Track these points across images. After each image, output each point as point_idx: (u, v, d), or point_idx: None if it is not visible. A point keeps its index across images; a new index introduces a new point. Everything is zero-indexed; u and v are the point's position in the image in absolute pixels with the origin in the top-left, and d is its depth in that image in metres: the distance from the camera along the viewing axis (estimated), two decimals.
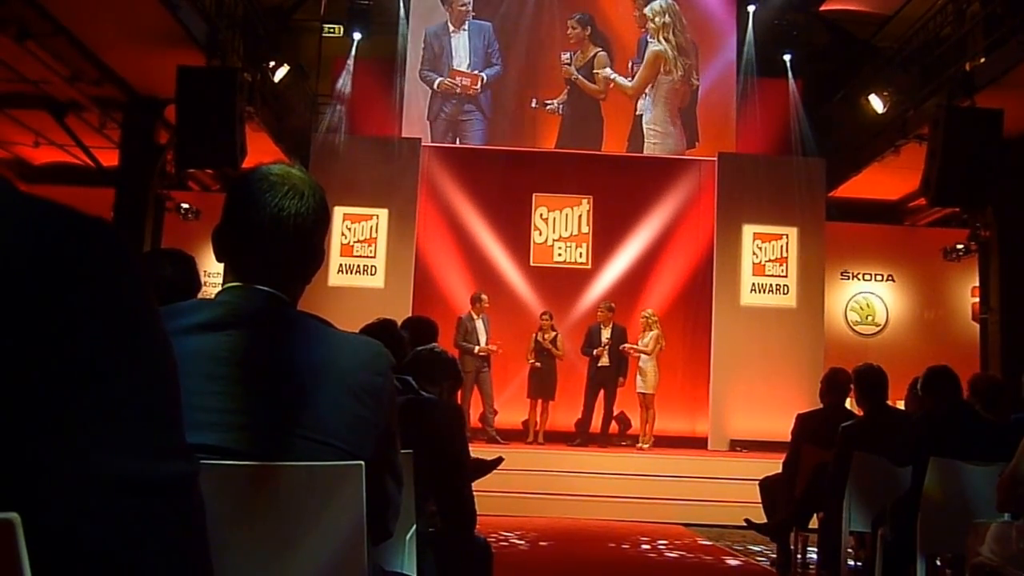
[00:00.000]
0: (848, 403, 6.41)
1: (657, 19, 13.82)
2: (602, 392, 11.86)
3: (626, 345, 11.79)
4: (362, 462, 1.65)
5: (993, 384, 6.15)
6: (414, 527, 2.70)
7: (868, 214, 13.85)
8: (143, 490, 0.74)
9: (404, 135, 13.53)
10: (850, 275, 13.84)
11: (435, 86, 13.76)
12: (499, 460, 5.03)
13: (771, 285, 12.88)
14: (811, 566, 6.60)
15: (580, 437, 11.81)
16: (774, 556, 6.98)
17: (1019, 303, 9.83)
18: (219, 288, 1.70)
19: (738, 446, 12.24)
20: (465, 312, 11.93)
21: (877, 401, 5.50)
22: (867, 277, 13.87)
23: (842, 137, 13.40)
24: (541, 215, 13.59)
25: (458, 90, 13.78)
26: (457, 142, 13.80)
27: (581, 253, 13.56)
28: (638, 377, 11.76)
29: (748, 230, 12.99)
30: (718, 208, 13.11)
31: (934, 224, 13.37)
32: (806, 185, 12.95)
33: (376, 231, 12.90)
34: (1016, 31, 8.68)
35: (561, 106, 13.80)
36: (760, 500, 6.91)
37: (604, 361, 11.78)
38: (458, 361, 4.55)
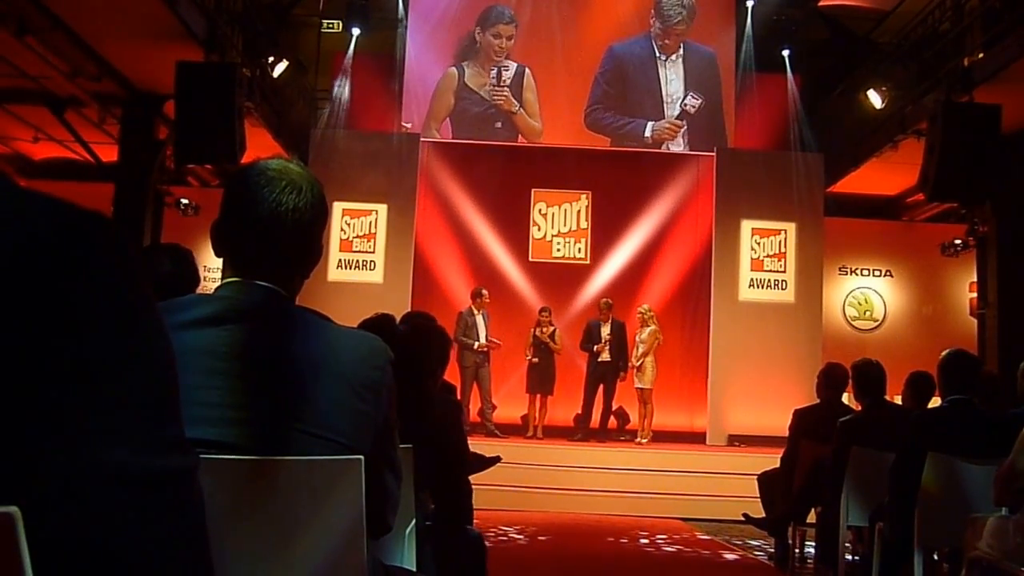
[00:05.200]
0: (845, 398, 6.43)
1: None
2: (601, 387, 11.87)
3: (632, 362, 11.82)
4: (361, 456, 1.66)
5: (991, 379, 6.17)
6: (413, 521, 2.70)
7: (866, 209, 13.87)
8: (143, 483, 0.75)
9: (403, 131, 13.54)
10: (848, 270, 13.86)
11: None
12: (496, 459, 5.04)
13: (769, 280, 12.89)
14: (809, 560, 6.62)
15: (579, 432, 11.82)
16: (772, 550, 7.00)
17: (1017, 298, 9.83)
18: (218, 283, 1.70)
19: (736, 441, 12.27)
20: (464, 307, 11.94)
21: (875, 396, 5.51)
22: (865, 272, 13.89)
23: (840, 132, 13.39)
24: (540, 210, 13.59)
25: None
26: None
27: (580, 248, 13.57)
28: (636, 372, 11.78)
29: (746, 225, 13.00)
30: (716, 203, 13.11)
31: (932, 219, 13.38)
32: (804, 180, 12.97)
33: (375, 226, 12.90)
34: (1015, 26, 8.68)
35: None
36: (758, 495, 6.93)
37: (605, 356, 11.79)
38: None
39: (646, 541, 8.11)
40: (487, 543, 7.01)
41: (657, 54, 13.92)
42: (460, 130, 13.85)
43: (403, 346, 3.35)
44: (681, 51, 13.91)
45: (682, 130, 13.80)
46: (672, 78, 13.86)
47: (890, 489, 4.51)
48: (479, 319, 11.71)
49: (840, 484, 5.14)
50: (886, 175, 12.48)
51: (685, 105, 13.73)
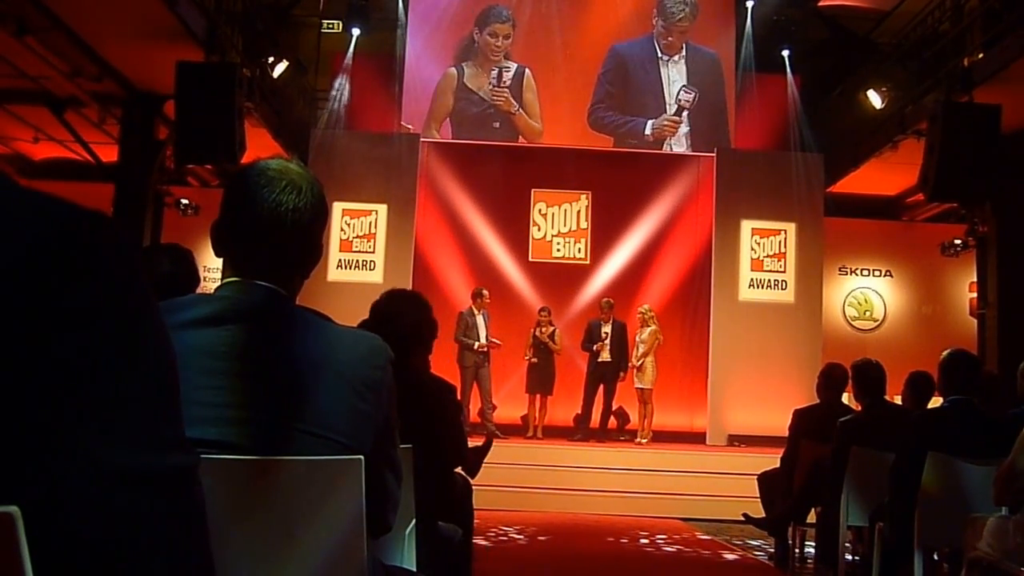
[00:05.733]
0: (845, 398, 6.43)
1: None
2: (601, 387, 11.87)
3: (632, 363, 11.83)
4: (361, 456, 1.66)
5: (991, 379, 6.17)
6: (413, 521, 2.70)
7: (866, 209, 13.87)
8: (143, 483, 0.75)
9: (403, 131, 13.55)
10: (848, 270, 13.86)
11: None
12: (490, 443, 5.00)
13: (769, 280, 12.89)
14: (809, 560, 6.61)
15: (579, 432, 11.82)
16: (772, 550, 7.00)
17: (1017, 298, 9.83)
18: (218, 283, 1.70)
19: (736, 441, 12.27)
20: (465, 307, 11.94)
21: (875, 396, 5.52)
22: (865, 272, 13.90)
23: (840, 132, 13.40)
24: (540, 210, 13.60)
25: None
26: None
27: (580, 248, 13.57)
28: (636, 372, 11.78)
29: (746, 225, 13.00)
30: (716, 203, 13.11)
31: (932, 219, 13.38)
32: (804, 180, 12.96)
33: (375, 226, 12.91)
34: (1014, 27, 8.68)
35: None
36: (758, 495, 6.92)
37: (605, 356, 11.80)
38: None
39: (646, 541, 8.10)
40: (488, 543, 7.01)
41: (659, 54, 13.92)
42: (460, 130, 13.86)
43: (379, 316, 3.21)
44: (684, 52, 13.92)
45: (683, 128, 13.79)
46: (675, 78, 13.86)
47: (890, 489, 4.51)
48: (479, 319, 11.70)
49: (840, 484, 5.14)
50: (886, 175, 12.49)
51: (679, 100, 13.73)
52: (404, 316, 3.24)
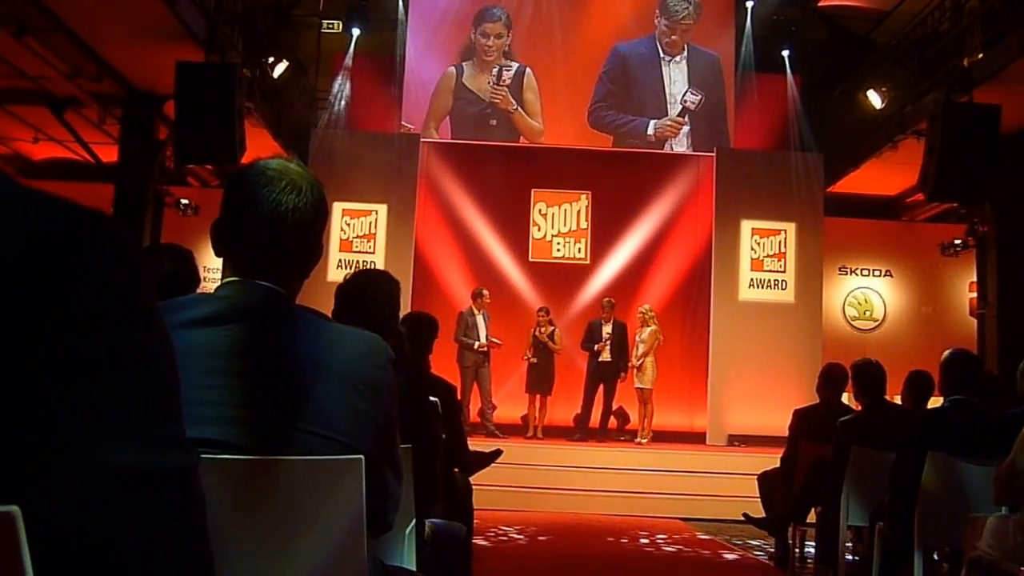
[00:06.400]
0: (845, 398, 6.43)
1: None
2: (601, 387, 11.87)
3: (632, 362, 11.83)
4: (362, 456, 1.66)
5: (991, 379, 6.17)
6: (413, 521, 2.70)
7: (866, 209, 13.87)
8: (143, 482, 0.75)
9: (403, 131, 13.55)
10: (848, 270, 13.86)
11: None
12: (498, 452, 5.01)
13: (769, 280, 12.89)
14: (809, 560, 6.61)
15: (579, 432, 11.82)
16: (772, 550, 7.00)
17: (1016, 298, 9.83)
18: (218, 283, 1.70)
19: (736, 441, 12.27)
20: (465, 307, 11.94)
21: (875, 396, 5.52)
22: (865, 272, 13.89)
23: (840, 132, 13.40)
24: (540, 210, 13.59)
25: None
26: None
27: (580, 248, 13.57)
28: (636, 372, 11.78)
29: (746, 225, 13.00)
30: (716, 203, 13.11)
31: (932, 219, 13.38)
32: (804, 180, 12.96)
33: (375, 226, 12.91)
34: (1014, 27, 8.68)
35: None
36: (758, 494, 6.93)
37: (605, 356, 11.80)
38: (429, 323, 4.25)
39: (646, 541, 8.10)
40: (488, 543, 7.01)
41: (662, 54, 13.93)
42: (459, 130, 13.87)
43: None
44: (685, 52, 13.92)
45: (685, 129, 13.80)
46: (676, 79, 13.87)
47: (890, 489, 4.51)
48: (479, 319, 11.71)
49: (840, 484, 5.15)
50: (886, 175, 12.49)
51: (685, 101, 13.74)
52: (375, 301, 3.09)
